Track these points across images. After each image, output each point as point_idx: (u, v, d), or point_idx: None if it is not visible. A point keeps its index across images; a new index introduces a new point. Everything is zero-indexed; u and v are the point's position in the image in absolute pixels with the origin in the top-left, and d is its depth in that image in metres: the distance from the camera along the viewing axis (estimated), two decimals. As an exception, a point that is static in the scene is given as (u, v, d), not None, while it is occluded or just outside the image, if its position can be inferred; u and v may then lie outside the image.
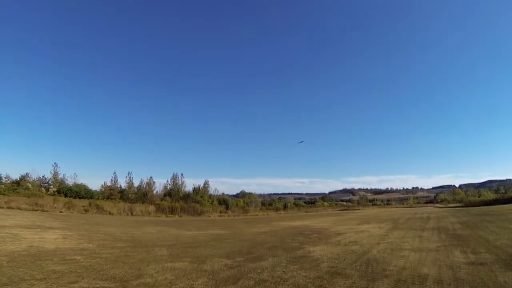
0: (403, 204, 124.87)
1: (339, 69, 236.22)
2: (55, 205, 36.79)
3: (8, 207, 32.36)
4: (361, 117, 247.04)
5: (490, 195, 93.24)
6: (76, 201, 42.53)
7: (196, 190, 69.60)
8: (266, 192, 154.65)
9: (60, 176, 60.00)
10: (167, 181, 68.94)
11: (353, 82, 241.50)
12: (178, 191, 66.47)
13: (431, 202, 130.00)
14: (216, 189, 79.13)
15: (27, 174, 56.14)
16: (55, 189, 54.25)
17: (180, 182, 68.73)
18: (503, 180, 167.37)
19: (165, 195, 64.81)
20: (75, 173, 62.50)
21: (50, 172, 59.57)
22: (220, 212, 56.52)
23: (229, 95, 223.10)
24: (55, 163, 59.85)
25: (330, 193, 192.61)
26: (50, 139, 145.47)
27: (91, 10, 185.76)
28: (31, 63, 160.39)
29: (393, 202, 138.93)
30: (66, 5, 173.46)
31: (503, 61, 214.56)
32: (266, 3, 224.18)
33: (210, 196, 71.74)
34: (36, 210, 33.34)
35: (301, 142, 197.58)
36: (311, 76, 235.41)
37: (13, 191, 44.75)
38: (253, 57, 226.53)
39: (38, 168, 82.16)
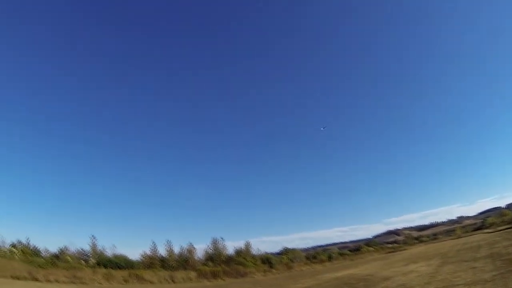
0: (451, 236, 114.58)
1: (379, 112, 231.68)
2: (94, 277, 35.66)
3: (47, 281, 31.50)
4: (398, 157, 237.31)
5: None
6: (116, 272, 40.99)
7: (238, 251, 67.17)
8: (309, 246, 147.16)
9: (99, 248, 57.46)
10: (207, 245, 67.02)
11: (393, 123, 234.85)
12: (219, 255, 64.28)
13: (479, 228, 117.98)
14: (258, 248, 76.05)
15: (65, 247, 54.72)
16: (94, 261, 53.18)
17: (221, 246, 66.70)
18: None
19: (206, 260, 62.63)
20: (113, 245, 60.85)
21: (88, 245, 57.34)
22: (264, 271, 53.54)
23: (260, 151, 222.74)
24: (92, 235, 57.72)
25: (374, 237, 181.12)
26: (87, 212, 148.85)
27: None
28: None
29: (440, 236, 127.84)
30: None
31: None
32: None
33: (253, 256, 68.83)
34: (75, 283, 32.45)
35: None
36: (345, 123, 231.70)
37: (51, 264, 43.76)
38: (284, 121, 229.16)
39: (76, 241, 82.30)
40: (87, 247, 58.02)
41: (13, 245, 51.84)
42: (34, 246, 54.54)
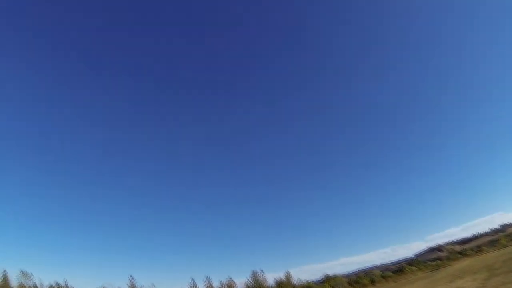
0: (495, 246, 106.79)
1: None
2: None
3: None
4: (433, 172, 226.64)
5: None
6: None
7: (279, 283, 65.82)
8: (351, 270, 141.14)
9: (138, 287, 57.55)
10: (247, 279, 65.71)
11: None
12: (260, 287, 62.96)
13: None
14: (299, 278, 73.99)
15: None
16: (135, 302, 52.31)
17: (261, 278, 65.42)
18: None
19: (247, 293, 61.60)
20: (152, 284, 59.89)
21: (127, 285, 57.02)
22: (308, 301, 52.05)
23: (295, 182, 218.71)
24: (130, 275, 57.73)
25: (416, 255, 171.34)
26: (123, 251, 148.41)
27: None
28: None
29: (484, 247, 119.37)
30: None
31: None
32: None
33: (294, 286, 67.08)
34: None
35: None
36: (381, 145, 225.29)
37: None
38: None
39: (115, 282, 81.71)
40: (125, 287, 57.61)
41: (52, 287, 52.50)
42: (72, 288, 54.48)
